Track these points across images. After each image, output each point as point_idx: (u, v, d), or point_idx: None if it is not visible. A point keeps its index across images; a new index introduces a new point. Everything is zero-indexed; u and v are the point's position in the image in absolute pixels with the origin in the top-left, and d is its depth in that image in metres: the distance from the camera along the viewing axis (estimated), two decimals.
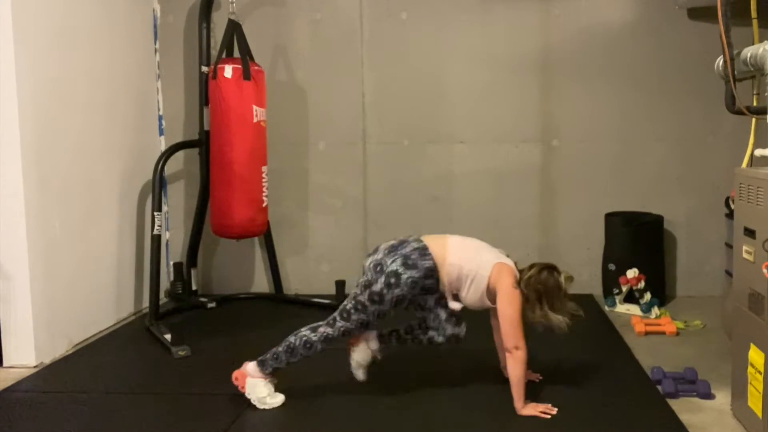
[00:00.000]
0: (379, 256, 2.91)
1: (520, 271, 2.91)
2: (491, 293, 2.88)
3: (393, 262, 2.85)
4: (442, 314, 2.96)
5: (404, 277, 2.83)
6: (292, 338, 2.96)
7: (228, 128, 4.20)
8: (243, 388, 2.96)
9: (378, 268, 2.86)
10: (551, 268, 2.89)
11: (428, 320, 3.00)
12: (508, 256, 2.99)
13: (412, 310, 3.02)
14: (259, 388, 2.94)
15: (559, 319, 2.84)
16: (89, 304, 4.00)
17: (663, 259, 4.62)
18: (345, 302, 2.97)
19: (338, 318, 2.93)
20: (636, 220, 4.56)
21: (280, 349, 2.95)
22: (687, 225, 4.72)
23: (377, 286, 2.85)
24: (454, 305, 2.96)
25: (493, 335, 3.19)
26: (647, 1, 4.62)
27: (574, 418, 2.82)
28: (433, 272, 2.86)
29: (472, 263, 2.89)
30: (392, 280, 2.83)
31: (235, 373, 2.99)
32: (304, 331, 2.96)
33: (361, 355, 3.08)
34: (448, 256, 2.89)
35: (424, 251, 2.87)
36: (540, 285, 2.84)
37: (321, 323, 2.97)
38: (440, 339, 3.00)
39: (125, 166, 4.40)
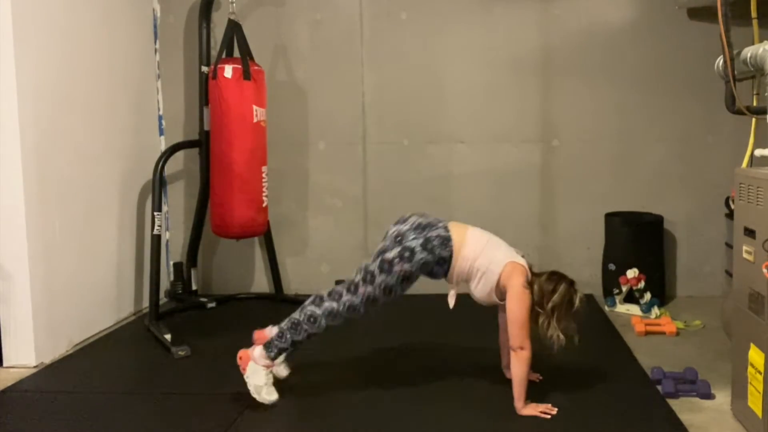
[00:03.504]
0: (404, 227, 2.90)
1: (537, 275, 2.91)
2: (500, 291, 2.88)
3: (414, 239, 2.85)
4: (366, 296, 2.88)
5: (418, 256, 2.84)
6: (296, 314, 2.94)
7: (228, 128, 4.20)
8: (244, 369, 2.94)
9: (398, 239, 2.87)
10: (571, 283, 2.89)
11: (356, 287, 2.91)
12: (523, 256, 2.97)
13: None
14: (258, 375, 2.91)
15: (558, 335, 2.82)
16: (89, 304, 4.00)
17: (663, 259, 4.62)
18: (353, 276, 2.95)
19: (344, 292, 2.90)
20: (636, 220, 4.56)
21: (284, 326, 2.93)
22: (687, 225, 4.72)
23: (390, 255, 2.85)
24: (451, 301, 2.96)
25: (493, 335, 3.20)
26: (647, 1, 4.62)
27: (574, 418, 2.82)
28: (446, 261, 2.88)
29: (485, 258, 2.89)
30: (406, 254, 2.83)
31: (241, 353, 2.97)
32: (309, 306, 2.94)
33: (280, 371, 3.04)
34: (464, 248, 2.89)
35: (446, 241, 2.87)
36: (557, 296, 2.83)
37: (325, 296, 2.94)
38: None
39: (125, 166, 4.40)
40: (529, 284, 2.86)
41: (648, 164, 4.72)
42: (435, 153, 4.83)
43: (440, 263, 2.89)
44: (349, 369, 3.29)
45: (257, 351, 2.94)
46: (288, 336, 2.91)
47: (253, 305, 4.72)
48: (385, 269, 2.85)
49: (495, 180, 4.81)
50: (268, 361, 2.93)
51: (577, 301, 2.87)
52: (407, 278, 2.88)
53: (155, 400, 3.11)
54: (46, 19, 3.63)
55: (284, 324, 2.95)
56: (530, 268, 2.94)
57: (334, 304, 2.90)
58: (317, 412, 2.93)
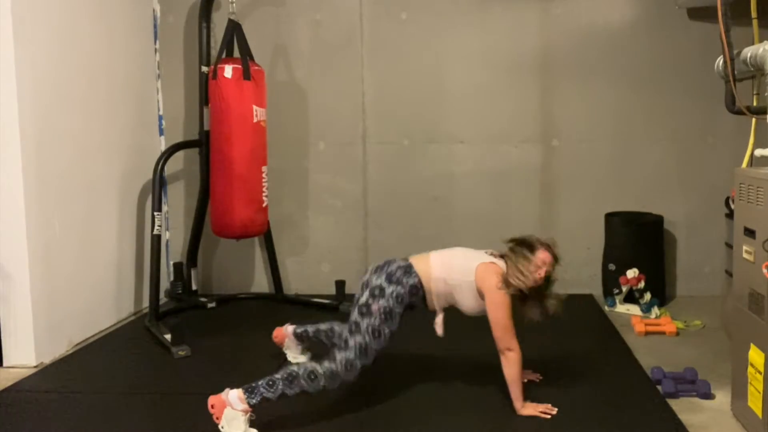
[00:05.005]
0: (366, 277, 2.93)
1: (506, 257, 2.91)
2: (482, 295, 2.88)
3: (377, 278, 2.87)
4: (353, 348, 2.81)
5: (388, 290, 2.83)
6: (294, 367, 2.78)
7: (228, 128, 4.20)
8: (218, 419, 2.64)
9: (365, 285, 2.89)
10: (532, 248, 2.90)
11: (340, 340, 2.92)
12: (493, 254, 2.95)
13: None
14: (237, 423, 2.63)
15: (552, 302, 2.90)
16: (89, 304, 4.00)
17: (663, 259, 4.62)
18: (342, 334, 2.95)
19: (337, 352, 2.82)
20: (636, 220, 4.56)
21: (278, 375, 2.72)
22: (687, 225, 4.72)
23: (363, 299, 2.85)
24: (438, 330, 2.95)
25: (491, 336, 3.19)
26: (647, 1, 4.62)
27: (574, 418, 2.82)
28: (418, 289, 2.88)
29: (456, 273, 2.89)
30: (376, 292, 2.83)
31: (212, 400, 2.67)
32: (308, 364, 2.82)
33: (294, 350, 3.36)
34: (432, 271, 2.90)
35: (408, 269, 2.89)
36: (537, 278, 2.85)
37: (323, 359, 2.83)
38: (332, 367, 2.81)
39: (125, 166, 4.40)
40: (506, 281, 2.82)
41: (648, 164, 4.72)
42: (435, 153, 4.83)
43: (413, 292, 2.87)
44: None
45: (233, 395, 2.66)
46: (280, 387, 2.69)
47: (253, 305, 4.72)
48: (364, 312, 2.82)
49: (495, 180, 4.81)
50: (246, 406, 2.66)
51: (556, 258, 2.91)
52: (389, 315, 2.82)
53: (155, 400, 3.11)
54: (45, 19, 3.63)
55: (277, 375, 2.72)
56: (506, 259, 2.92)
57: (333, 365, 2.76)
58: (317, 413, 2.92)
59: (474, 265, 2.88)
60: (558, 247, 2.94)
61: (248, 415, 2.66)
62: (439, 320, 2.95)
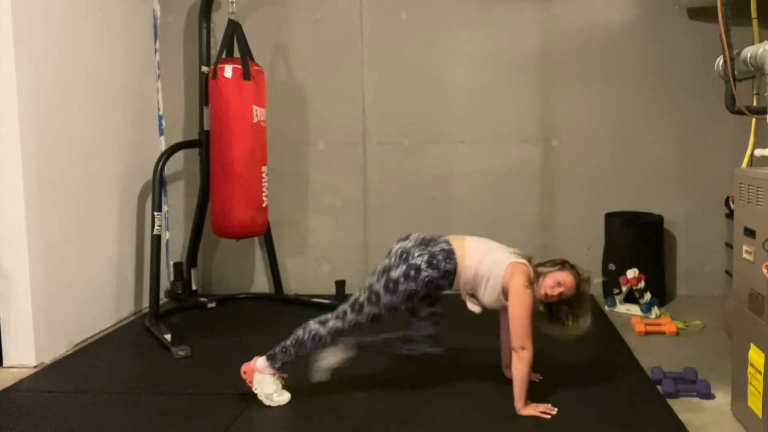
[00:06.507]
0: (409, 244, 2.93)
1: (538, 266, 2.93)
2: (506, 292, 2.89)
3: (419, 256, 2.86)
4: (425, 329, 3.01)
5: (423, 274, 2.84)
6: (300, 332, 2.97)
7: (228, 128, 4.20)
8: (251, 382, 2.98)
9: (403, 256, 2.88)
10: (572, 267, 2.93)
11: (413, 328, 3.04)
12: (525, 256, 2.97)
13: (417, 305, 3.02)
14: (266, 384, 2.97)
15: (587, 319, 2.92)
16: (89, 304, 4.00)
17: (663, 259, 4.62)
18: (357, 294, 2.96)
19: (349, 311, 2.92)
20: (636, 220, 4.56)
21: (288, 342, 2.96)
22: (687, 225, 4.72)
23: (395, 273, 2.85)
24: (474, 308, 2.97)
25: (492, 335, 3.20)
26: (647, 1, 4.62)
27: (574, 418, 2.82)
28: (450, 275, 2.89)
29: (487, 265, 2.90)
30: (412, 273, 2.84)
31: (244, 367, 3.01)
32: (313, 325, 2.96)
33: (333, 358, 3.05)
34: (466, 258, 2.90)
35: (450, 255, 2.88)
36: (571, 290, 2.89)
37: (329, 316, 2.96)
38: (417, 353, 3.06)
39: (125, 166, 4.40)
40: (531, 282, 2.85)
41: (648, 164, 4.72)
42: (435, 153, 4.83)
43: (445, 277, 2.89)
44: (348, 369, 3.28)
45: (260, 362, 2.98)
46: (292, 351, 2.96)
47: (253, 305, 4.72)
48: (390, 289, 2.86)
49: (495, 180, 4.81)
50: (272, 370, 2.98)
51: (588, 286, 2.94)
52: (411, 297, 2.89)
53: (155, 400, 3.11)
54: (45, 19, 3.63)
55: (288, 341, 2.97)
56: (533, 265, 2.93)
57: (339, 323, 2.92)
58: (317, 412, 2.93)
59: (506, 261, 2.89)
60: (591, 283, 2.96)
61: (276, 376, 2.98)
62: (470, 303, 2.98)
